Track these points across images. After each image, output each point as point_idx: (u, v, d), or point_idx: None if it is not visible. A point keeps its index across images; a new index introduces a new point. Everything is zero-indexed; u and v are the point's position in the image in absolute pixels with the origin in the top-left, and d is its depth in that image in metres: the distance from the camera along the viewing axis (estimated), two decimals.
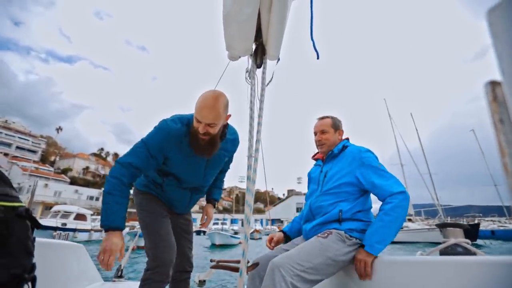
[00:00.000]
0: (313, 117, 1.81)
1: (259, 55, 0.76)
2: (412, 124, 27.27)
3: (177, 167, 1.43)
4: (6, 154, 54.49)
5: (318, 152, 1.79)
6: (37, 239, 0.94)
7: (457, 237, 1.11)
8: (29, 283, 0.83)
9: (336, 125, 1.70)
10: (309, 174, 1.84)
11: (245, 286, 1.61)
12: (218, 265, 1.49)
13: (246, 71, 0.83)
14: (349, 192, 1.50)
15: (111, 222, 1.21)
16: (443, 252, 1.11)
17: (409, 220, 25.25)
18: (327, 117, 1.73)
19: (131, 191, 1.49)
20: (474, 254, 1.02)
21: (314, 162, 1.87)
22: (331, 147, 1.68)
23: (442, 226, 1.18)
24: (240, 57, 0.81)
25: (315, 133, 1.73)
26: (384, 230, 1.32)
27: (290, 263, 1.22)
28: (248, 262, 1.49)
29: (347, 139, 1.75)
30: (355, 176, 1.49)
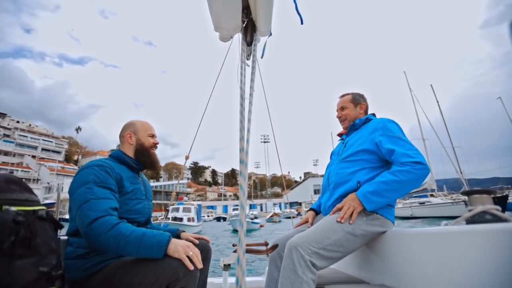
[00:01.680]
0: (330, 96, 1.79)
1: (249, 32, 0.71)
2: (432, 96, 26.01)
3: (126, 196, 1.27)
4: (33, 156, 57.72)
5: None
6: (61, 238, 0.98)
7: (485, 204, 1.01)
8: (59, 280, 0.88)
9: (356, 100, 1.69)
10: (333, 150, 1.83)
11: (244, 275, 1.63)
12: None
13: (243, 51, 0.79)
14: (368, 160, 1.46)
15: (162, 242, 1.04)
16: (470, 221, 1.02)
17: (431, 195, 24.65)
18: (348, 93, 1.74)
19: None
20: (505, 221, 0.93)
21: (337, 139, 1.85)
22: (353, 122, 1.65)
23: (468, 194, 1.07)
24: (231, 37, 0.76)
25: (337, 111, 1.75)
26: (382, 185, 1.29)
27: (308, 241, 1.22)
28: (267, 244, 1.52)
29: (373, 114, 1.71)
30: (374, 143, 1.45)
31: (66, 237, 1.26)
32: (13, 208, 0.78)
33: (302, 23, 0.78)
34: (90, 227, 1.02)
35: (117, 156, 1.40)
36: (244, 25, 0.70)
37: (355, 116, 1.67)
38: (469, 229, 0.92)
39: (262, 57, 0.75)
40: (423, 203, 23.13)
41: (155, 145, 1.51)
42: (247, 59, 0.73)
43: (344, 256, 1.34)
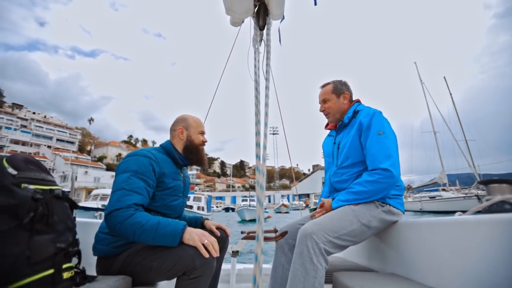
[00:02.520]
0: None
1: (262, 16, 0.70)
2: (444, 87, 25.19)
3: (164, 191, 1.28)
4: (49, 147, 59.57)
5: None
6: (78, 219, 1.03)
7: (504, 194, 0.96)
8: (76, 257, 0.93)
9: (338, 90, 1.59)
10: (323, 146, 1.78)
11: (262, 253, 1.64)
12: (249, 236, 1.54)
13: (256, 36, 0.79)
14: (364, 161, 1.43)
15: (177, 231, 1.06)
16: (487, 211, 0.98)
17: (443, 189, 24.19)
18: (328, 83, 1.64)
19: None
20: None
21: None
22: (338, 115, 1.59)
23: (486, 183, 1.03)
24: (242, 21, 0.76)
25: (319, 103, 1.65)
26: (351, 195, 1.36)
27: (323, 229, 1.22)
28: (277, 231, 1.52)
29: (358, 101, 1.61)
30: (362, 142, 1.43)
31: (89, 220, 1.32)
32: (31, 187, 0.82)
33: (315, 4, 0.76)
34: (110, 215, 1.06)
35: (167, 148, 1.41)
36: (256, 9, 0.70)
37: (338, 108, 1.58)
38: (486, 219, 0.89)
39: (280, 43, 0.74)
40: (434, 197, 22.74)
41: (204, 143, 1.50)
42: (256, 46, 0.73)
43: (353, 245, 1.35)
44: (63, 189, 0.95)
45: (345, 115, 1.57)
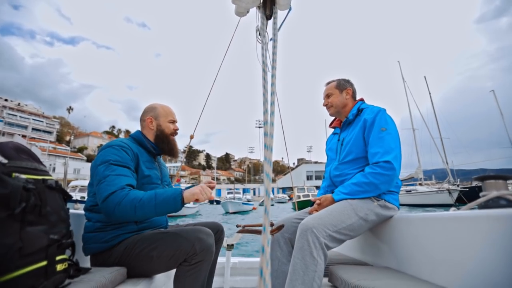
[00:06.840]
0: (324, 81, 1.76)
1: (268, 6, 0.70)
2: (425, 87, 26.17)
3: (141, 180, 1.27)
4: (24, 136, 56.48)
5: (334, 120, 1.77)
6: (71, 210, 0.99)
7: (500, 190, 0.97)
8: (70, 248, 0.91)
9: (341, 85, 1.65)
10: (327, 143, 1.82)
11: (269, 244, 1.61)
12: (245, 230, 1.52)
13: (256, 30, 0.79)
14: (367, 157, 1.46)
15: (176, 193, 1.10)
16: (483, 206, 1.00)
17: (419, 184, 25.34)
18: (333, 80, 1.71)
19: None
20: None
21: (331, 130, 1.83)
22: (340, 108, 1.64)
23: (482, 179, 1.04)
24: (248, 11, 0.75)
25: (323, 99, 1.71)
26: (354, 187, 1.39)
27: (323, 223, 1.23)
28: (272, 225, 1.49)
29: (362, 100, 1.66)
30: (365, 138, 1.47)
31: (82, 212, 1.28)
32: (23, 176, 0.78)
33: None
34: (106, 200, 1.04)
35: (137, 138, 1.39)
36: None
37: (340, 102, 1.63)
38: (482, 214, 0.89)
39: (278, 30, 0.74)
40: (410, 191, 23.80)
41: (175, 132, 1.48)
42: (264, 35, 0.74)
43: (350, 239, 1.37)
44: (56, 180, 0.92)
45: (350, 112, 1.60)
